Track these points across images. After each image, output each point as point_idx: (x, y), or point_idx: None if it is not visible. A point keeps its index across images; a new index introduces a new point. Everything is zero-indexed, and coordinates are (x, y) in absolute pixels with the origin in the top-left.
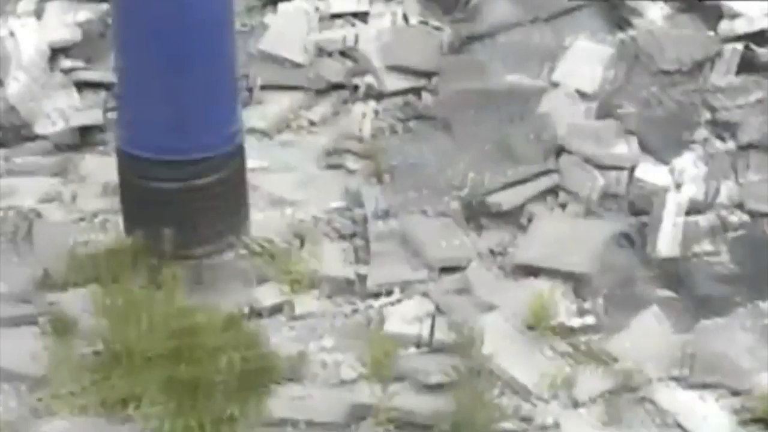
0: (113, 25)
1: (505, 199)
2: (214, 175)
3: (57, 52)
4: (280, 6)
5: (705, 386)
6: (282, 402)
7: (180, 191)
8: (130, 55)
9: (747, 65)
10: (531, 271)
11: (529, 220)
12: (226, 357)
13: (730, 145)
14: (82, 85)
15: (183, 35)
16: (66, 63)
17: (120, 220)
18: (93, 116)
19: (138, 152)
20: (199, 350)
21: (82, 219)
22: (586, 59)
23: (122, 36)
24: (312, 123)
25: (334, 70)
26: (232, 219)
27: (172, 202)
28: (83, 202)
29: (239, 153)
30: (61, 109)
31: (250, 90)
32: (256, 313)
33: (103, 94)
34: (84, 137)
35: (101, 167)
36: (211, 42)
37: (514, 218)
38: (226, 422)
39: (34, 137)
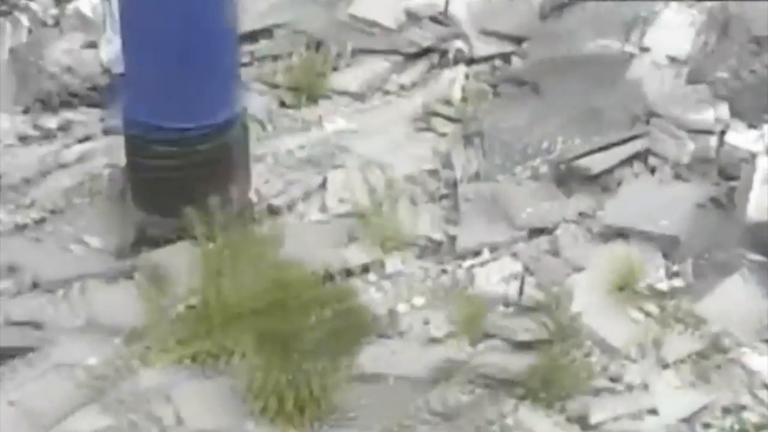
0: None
1: (595, 163)
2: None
3: None
4: None
5: None
6: (372, 357)
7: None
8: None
9: None
10: (620, 233)
11: (618, 184)
12: (318, 312)
13: None
14: None
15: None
16: None
17: None
18: None
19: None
20: (292, 305)
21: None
22: (676, 25)
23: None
24: (402, 87)
25: (424, 34)
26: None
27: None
28: None
29: None
30: None
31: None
32: (346, 272)
33: None
34: None
35: None
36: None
37: (603, 182)
38: (318, 376)
39: None
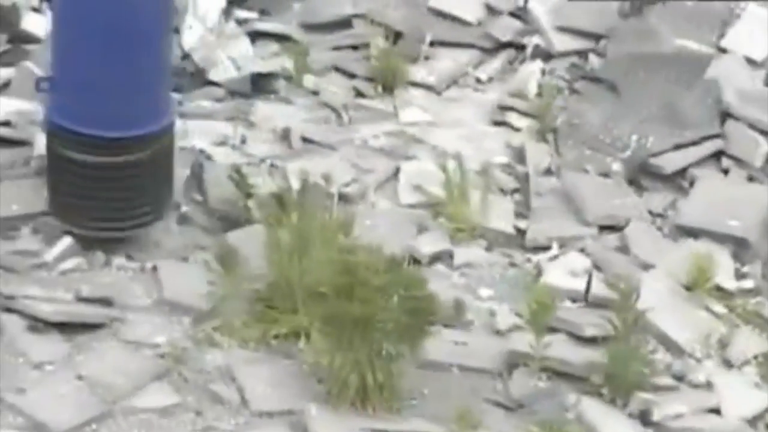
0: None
1: (668, 162)
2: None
3: (232, 2)
4: None
5: None
6: (439, 346)
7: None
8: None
9: None
10: (691, 232)
11: (691, 184)
12: (387, 299)
13: None
14: (255, 35)
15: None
16: (240, 13)
17: (288, 165)
18: (266, 65)
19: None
20: (361, 291)
21: (250, 163)
22: (757, 26)
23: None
24: (479, 81)
25: (503, 29)
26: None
27: None
28: (253, 146)
29: None
30: (235, 58)
31: (192, 74)
32: (416, 261)
33: (275, 45)
34: (256, 85)
35: (271, 114)
36: (146, 26)
37: (676, 181)
38: (385, 360)
39: (208, 83)
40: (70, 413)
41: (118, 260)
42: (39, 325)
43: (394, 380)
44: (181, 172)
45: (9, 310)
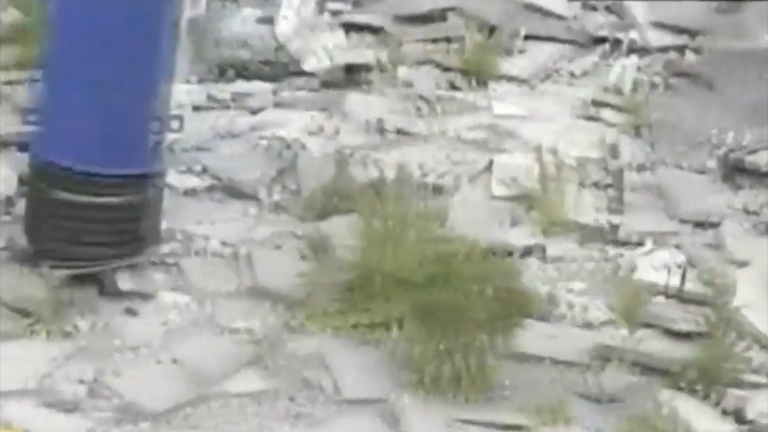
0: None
1: (765, 159)
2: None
3: None
4: None
5: None
6: (529, 338)
7: None
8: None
9: None
10: None
11: None
12: (481, 287)
13: None
14: (348, 27)
15: (112, 69)
16: (333, 5)
17: (381, 155)
18: (359, 56)
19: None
20: (454, 280)
21: (343, 153)
22: None
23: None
24: (572, 75)
25: (597, 23)
26: None
27: None
28: (345, 137)
29: None
30: (328, 49)
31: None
32: (508, 253)
33: (367, 36)
34: (349, 76)
35: (363, 105)
36: (136, 78)
37: None
38: (476, 352)
39: (302, 73)
40: (165, 396)
41: (213, 246)
42: (135, 309)
43: (486, 371)
44: (275, 160)
45: (105, 293)
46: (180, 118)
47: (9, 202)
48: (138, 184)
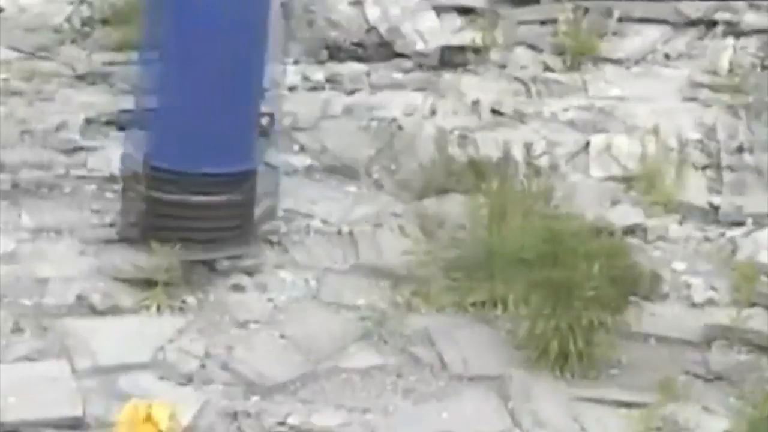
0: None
1: None
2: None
3: None
4: None
5: None
6: (636, 316)
7: None
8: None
9: None
10: None
11: None
12: (594, 264)
13: None
14: (440, 9)
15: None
16: None
17: (478, 136)
18: (454, 38)
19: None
20: (564, 258)
21: (440, 133)
22: None
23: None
24: (668, 56)
25: (693, 5)
26: None
27: None
28: (442, 117)
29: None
30: (421, 31)
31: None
32: (609, 233)
33: (459, 18)
34: (444, 57)
35: (460, 86)
36: (240, 82)
37: None
38: (584, 329)
39: (396, 55)
40: (276, 371)
41: (317, 224)
42: (242, 285)
43: (594, 349)
44: (374, 140)
45: (214, 270)
46: (272, 116)
47: (113, 180)
48: (245, 180)
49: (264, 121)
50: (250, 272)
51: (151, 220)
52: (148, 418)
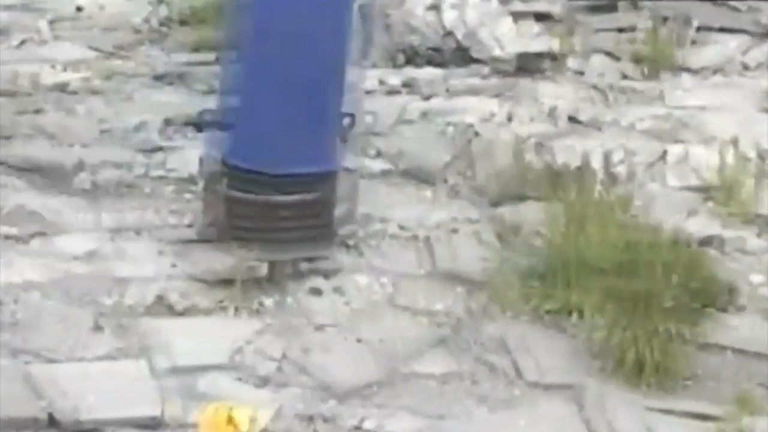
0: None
1: None
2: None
3: None
4: None
5: None
6: (713, 328)
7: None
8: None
9: None
10: None
11: None
12: (672, 275)
13: None
14: (518, 15)
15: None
16: None
17: (554, 143)
18: (530, 44)
19: None
20: (641, 268)
21: (517, 139)
22: None
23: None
24: (746, 67)
25: None
26: None
27: None
28: (518, 124)
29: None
30: (498, 37)
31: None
32: (686, 243)
33: (536, 25)
34: (521, 63)
35: (536, 93)
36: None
37: None
38: (663, 339)
39: (473, 61)
40: (352, 375)
41: (393, 229)
42: (319, 288)
43: (670, 360)
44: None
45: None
46: (352, 116)
47: (191, 180)
48: (325, 180)
49: (345, 122)
50: (327, 275)
51: (230, 221)
52: (230, 421)
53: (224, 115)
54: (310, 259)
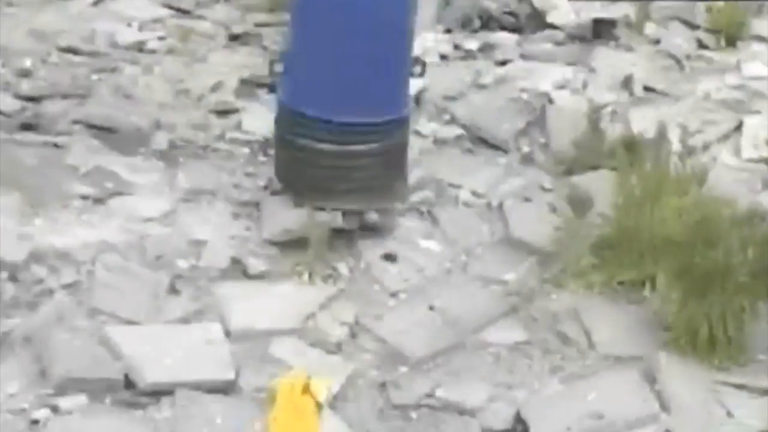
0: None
1: None
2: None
3: None
4: None
5: None
6: None
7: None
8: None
9: None
10: None
11: None
12: (748, 249)
13: None
14: None
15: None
16: None
17: (629, 112)
18: (606, 11)
19: None
20: (715, 242)
21: (592, 108)
22: None
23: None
24: None
25: None
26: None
27: None
28: (593, 92)
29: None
30: (576, 2)
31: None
32: (761, 218)
33: None
34: (596, 31)
35: (611, 61)
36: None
37: None
38: (740, 314)
39: (548, 26)
40: (424, 342)
41: (465, 196)
42: (392, 254)
43: (744, 335)
44: (524, 113)
45: (362, 239)
46: (422, 62)
47: (266, 142)
48: (391, 129)
49: (416, 69)
50: (399, 242)
51: (302, 175)
52: (306, 390)
53: (292, 65)
54: (381, 220)
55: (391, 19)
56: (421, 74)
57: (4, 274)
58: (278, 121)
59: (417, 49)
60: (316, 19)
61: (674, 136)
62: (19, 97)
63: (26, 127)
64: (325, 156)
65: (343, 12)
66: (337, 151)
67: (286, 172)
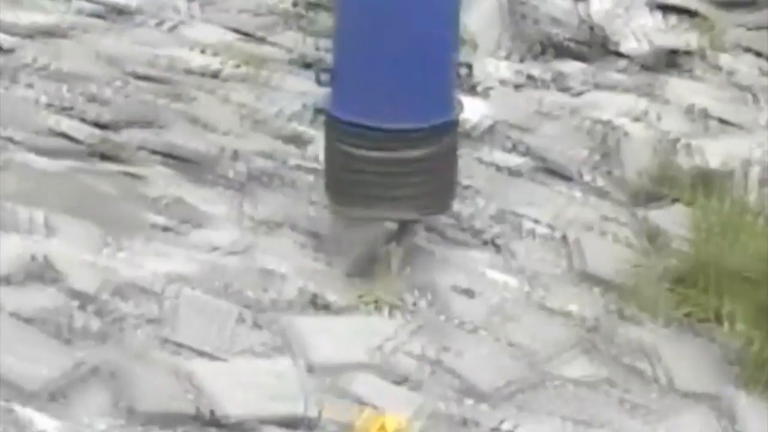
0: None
1: None
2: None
3: None
4: None
5: None
6: None
7: None
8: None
9: None
10: None
11: None
12: None
13: None
14: (665, 9)
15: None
16: None
17: (703, 144)
18: (677, 40)
19: None
20: None
21: (664, 139)
22: None
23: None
24: None
25: None
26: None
27: None
28: (665, 122)
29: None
30: (646, 30)
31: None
32: None
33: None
34: (667, 60)
35: (683, 91)
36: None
37: None
38: None
39: (619, 55)
40: (491, 375)
41: (539, 228)
42: (458, 285)
43: None
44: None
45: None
46: (469, 65)
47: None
48: (439, 134)
49: (463, 72)
50: (472, 274)
51: (352, 182)
52: (382, 428)
53: (340, 72)
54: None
55: (441, 27)
56: (469, 76)
57: (77, 303)
58: (327, 135)
59: (479, 75)
60: (358, 26)
61: (749, 171)
62: (86, 122)
63: (101, 155)
64: (373, 164)
65: (384, 19)
66: (386, 159)
67: (336, 185)
